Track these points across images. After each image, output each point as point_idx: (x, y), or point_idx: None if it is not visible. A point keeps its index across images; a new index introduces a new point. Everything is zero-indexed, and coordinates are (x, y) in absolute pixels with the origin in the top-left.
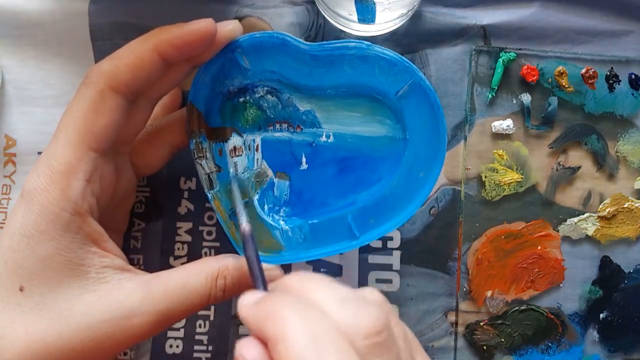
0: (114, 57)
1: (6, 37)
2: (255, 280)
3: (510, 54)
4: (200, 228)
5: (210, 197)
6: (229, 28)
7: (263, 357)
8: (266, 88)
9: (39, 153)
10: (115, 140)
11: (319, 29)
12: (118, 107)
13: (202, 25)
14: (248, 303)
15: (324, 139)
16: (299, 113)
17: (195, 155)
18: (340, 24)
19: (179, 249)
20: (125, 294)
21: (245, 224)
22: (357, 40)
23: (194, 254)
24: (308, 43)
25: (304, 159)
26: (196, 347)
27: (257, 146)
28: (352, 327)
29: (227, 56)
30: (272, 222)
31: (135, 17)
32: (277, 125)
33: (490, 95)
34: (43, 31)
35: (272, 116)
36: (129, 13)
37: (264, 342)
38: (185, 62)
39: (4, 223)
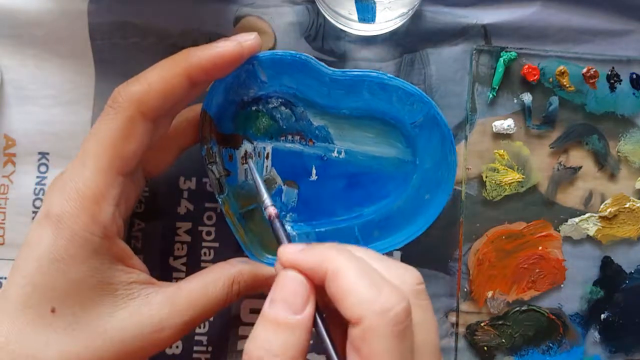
0: (144, 81)
1: (5, 37)
2: (281, 241)
3: (511, 53)
4: (200, 228)
5: (220, 202)
6: (249, 44)
7: (306, 285)
8: (280, 100)
9: (39, 153)
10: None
11: (319, 28)
12: (146, 131)
13: (231, 48)
14: (293, 251)
15: (335, 154)
16: (312, 127)
17: (207, 161)
18: (340, 24)
19: (178, 249)
20: (154, 309)
21: (270, 207)
22: (379, 72)
23: (193, 254)
24: (331, 68)
25: (314, 171)
26: (196, 348)
27: (268, 154)
28: (397, 278)
29: (245, 68)
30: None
31: (135, 17)
32: (289, 137)
33: (491, 95)
34: (42, 31)
35: (284, 127)
36: (128, 12)
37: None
38: (211, 80)
39: (2, 223)
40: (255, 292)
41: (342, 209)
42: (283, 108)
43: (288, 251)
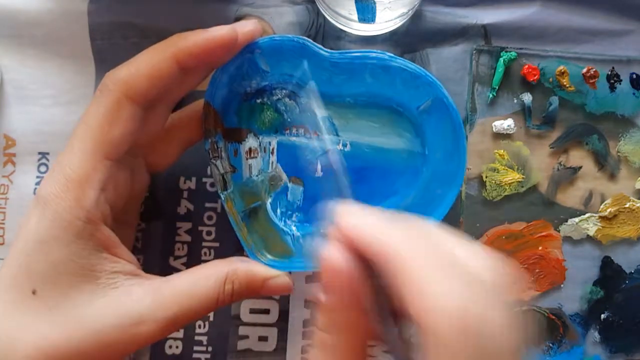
0: (131, 65)
1: (5, 37)
2: (344, 194)
3: (511, 53)
4: (200, 228)
5: (223, 199)
6: (247, 30)
7: (352, 261)
8: (284, 91)
9: (39, 153)
10: (132, 146)
11: (319, 28)
12: (134, 116)
13: (222, 32)
14: (360, 214)
15: (340, 147)
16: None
17: (210, 155)
18: (340, 24)
19: (178, 249)
20: (134, 300)
21: (331, 148)
22: (379, 51)
23: (193, 254)
24: (329, 50)
25: (319, 166)
26: (196, 348)
27: (273, 149)
28: (479, 267)
29: (246, 57)
30: (283, 227)
31: (135, 17)
32: (294, 130)
33: (491, 95)
34: (42, 31)
35: (289, 120)
36: (128, 12)
37: (359, 255)
38: (204, 67)
39: (2, 223)
40: (252, 295)
41: None
42: (287, 100)
43: (352, 212)
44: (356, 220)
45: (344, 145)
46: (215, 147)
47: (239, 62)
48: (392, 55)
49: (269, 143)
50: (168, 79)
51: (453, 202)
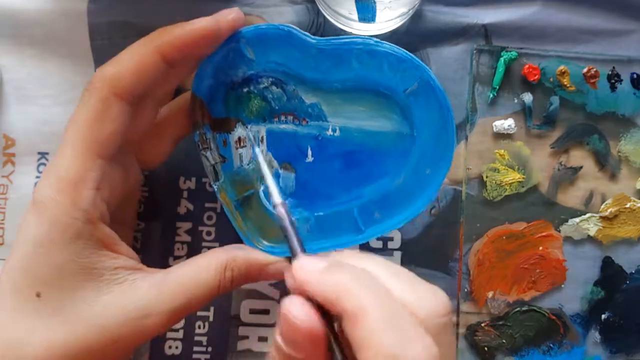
0: (116, 62)
1: (5, 37)
2: (294, 250)
3: (512, 53)
4: (200, 228)
5: (216, 189)
6: (231, 18)
7: (312, 317)
8: (271, 79)
9: (39, 153)
10: (123, 142)
11: (319, 27)
12: (122, 113)
13: (203, 24)
14: (312, 270)
15: (330, 132)
16: (305, 105)
17: (200, 146)
18: (340, 23)
19: (178, 249)
20: (140, 294)
21: (279, 202)
22: (365, 36)
23: (193, 254)
24: (315, 37)
25: (309, 152)
26: (195, 348)
27: (262, 137)
28: (425, 308)
29: (231, 46)
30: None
31: (134, 16)
32: (282, 117)
33: (491, 95)
34: (42, 30)
35: (277, 108)
36: (127, 12)
37: (317, 306)
38: (189, 59)
39: (2, 223)
40: (251, 281)
41: (340, 190)
42: (274, 87)
43: (306, 269)
44: (311, 275)
45: (334, 130)
46: (204, 138)
47: (224, 52)
48: (378, 40)
49: (258, 132)
50: (154, 74)
51: (442, 181)
